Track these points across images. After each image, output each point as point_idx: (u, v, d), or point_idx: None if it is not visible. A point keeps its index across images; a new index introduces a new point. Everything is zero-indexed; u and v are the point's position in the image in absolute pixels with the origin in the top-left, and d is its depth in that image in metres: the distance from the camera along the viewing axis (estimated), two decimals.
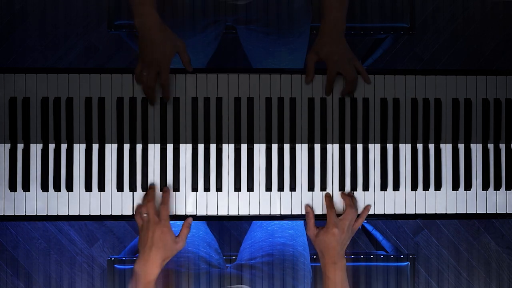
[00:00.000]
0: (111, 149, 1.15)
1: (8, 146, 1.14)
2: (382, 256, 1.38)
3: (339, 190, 1.16)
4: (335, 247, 1.08)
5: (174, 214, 1.15)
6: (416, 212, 1.18)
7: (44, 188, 1.14)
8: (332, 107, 1.17)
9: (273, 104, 1.16)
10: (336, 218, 1.10)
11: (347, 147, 1.17)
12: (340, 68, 1.12)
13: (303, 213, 1.16)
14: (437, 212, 1.18)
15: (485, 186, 1.18)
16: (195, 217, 1.15)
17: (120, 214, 1.15)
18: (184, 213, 1.15)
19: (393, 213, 1.17)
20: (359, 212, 1.15)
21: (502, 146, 1.19)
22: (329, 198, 1.15)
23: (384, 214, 1.17)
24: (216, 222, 1.98)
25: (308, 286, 1.22)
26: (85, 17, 1.99)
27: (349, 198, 1.14)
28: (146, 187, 1.15)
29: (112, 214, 1.15)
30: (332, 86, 1.15)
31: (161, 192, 1.13)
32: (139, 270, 1.02)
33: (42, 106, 1.14)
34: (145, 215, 1.06)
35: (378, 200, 1.17)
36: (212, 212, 1.16)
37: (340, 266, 1.09)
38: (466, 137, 1.18)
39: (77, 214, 1.14)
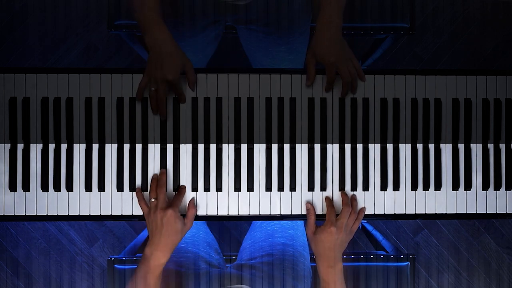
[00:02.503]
0: (111, 149, 1.15)
1: (8, 146, 1.14)
2: (382, 256, 1.38)
3: (339, 190, 1.16)
4: (332, 248, 1.08)
5: None
6: (416, 212, 1.18)
7: (44, 188, 1.14)
8: (332, 107, 1.17)
9: (273, 104, 1.16)
10: (335, 217, 1.11)
11: (347, 147, 1.17)
12: (338, 69, 1.12)
13: (303, 213, 1.16)
14: (437, 212, 1.18)
15: (485, 186, 1.18)
16: (195, 217, 1.15)
17: (120, 214, 1.15)
18: (184, 213, 1.15)
19: (393, 213, 1.17)
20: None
21: (502, 146, 1.19)
22: (329, 199, 1.15)
23: (384, 214, 1.17)
24: (216, 222, 1.98)
25: (308, 286, 1.22)
26: (85, 17, 1.99)
27: (347, 197, 1.14)
28: (146, 187, 1.15)
29: (112, 214, 1.15)
30: (332, 85, 1.15)
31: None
32: (150, 254, 1.04)
33: (42, 106, 1.14)
34: (153, 200, 1.08)
35: (378, 200, 1.17)
36: (212, 212, 1.16)
37: (337, 270, 1.08)
38: (466, 137, 1.18)
39: (77, 214, 1.14)
